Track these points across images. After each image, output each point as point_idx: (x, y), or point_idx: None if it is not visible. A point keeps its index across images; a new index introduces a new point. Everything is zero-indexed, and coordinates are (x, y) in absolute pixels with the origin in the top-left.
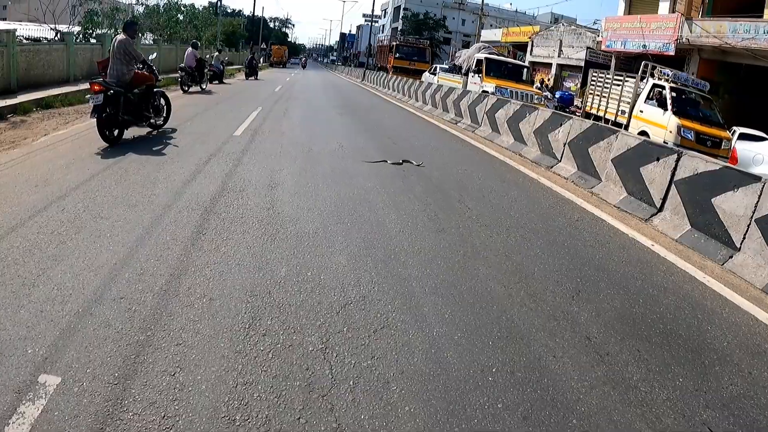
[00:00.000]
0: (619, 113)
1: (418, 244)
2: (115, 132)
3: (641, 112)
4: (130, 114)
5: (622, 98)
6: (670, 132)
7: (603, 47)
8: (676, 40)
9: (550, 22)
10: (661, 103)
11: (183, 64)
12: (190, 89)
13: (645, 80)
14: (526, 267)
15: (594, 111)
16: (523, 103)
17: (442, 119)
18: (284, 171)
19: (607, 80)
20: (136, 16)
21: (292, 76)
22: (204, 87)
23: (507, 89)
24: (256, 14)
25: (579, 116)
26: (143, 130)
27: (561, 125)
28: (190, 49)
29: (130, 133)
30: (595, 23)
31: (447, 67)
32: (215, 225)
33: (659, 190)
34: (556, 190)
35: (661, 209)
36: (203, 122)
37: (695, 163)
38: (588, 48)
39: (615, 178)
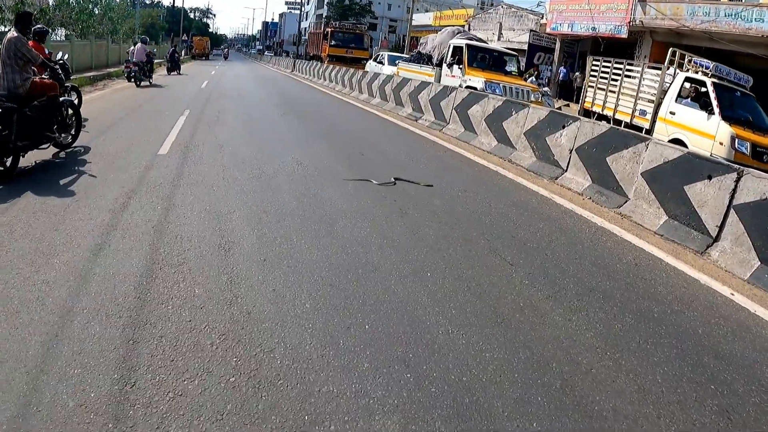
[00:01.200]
0: (637, 113)
1: (483, 362)
2: (7, 162)
3: (672, 114)
4: (27, 136)
5: (640, 95)
6: (721, 144)
7: (548, 30)
8: (629, 22)
9: (477, 5)
10: (704, 104)
11: (134, 59)
12: (142, 83)
13: (673, 73)
14: (650, 385)
15: (597, 109)
16: (506, 99)
17: (398, 115)
18: (236, 214)
19: (616, 71)
20: (44, 9)
21: (217, 69)
22: (152, 81)
23: (499, 85)
24: (176, 5)
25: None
26: (47, 152)
27: (564, 127)
28: (139, 44)
29: (31, 157)
30: (538, 5)
31: (411, 56)
32: (147, 365)
33: (714, 215)
34: (580, 213)
35: (717, 239)
36: (121, 133)
37: (763, 186)
38: (531, 31)
39: (648, 197)
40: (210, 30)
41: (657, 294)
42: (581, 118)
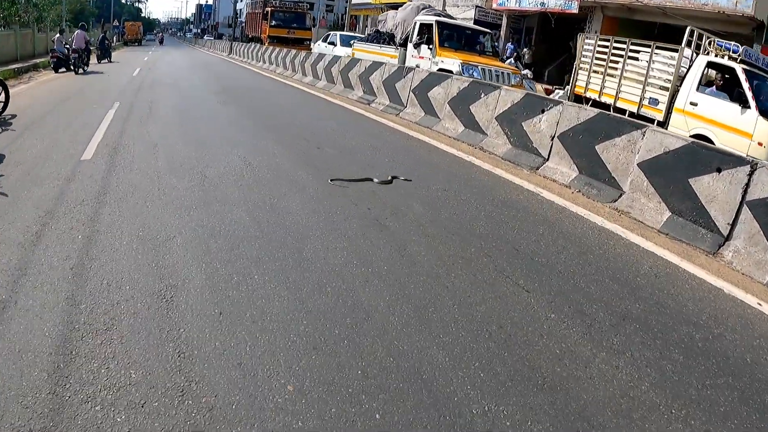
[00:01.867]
0: (646, 102)
1: None
2: None
3: (693, 105)
4: None
5: (649, 81)
6: (760, 144)
7: (494, 5)
8: None
9: None
10: (738, 96)
11: (74, 46)
12: (80, 71)
13: (690, 56)
14: None
15: (592, 95)
16: (473, 80)
17: (348, 98)
18: (176, 241)
19: (617, 51)
20: None
21: (150, 55)
22: (86, 69)
23: (477, 68)
24: None
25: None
26: None
27: (543, 112)
28: (78, 31)
29: None
30: None
31: (368, 35)
32: None
33: (725, 212)
34: (574, 211)
35: (729, 238)
36: (42, 134)
37: None
38: (477, 7)
39: (647, 190)
40: (142, 15)
41: (689, 314)
42: (564, 101)
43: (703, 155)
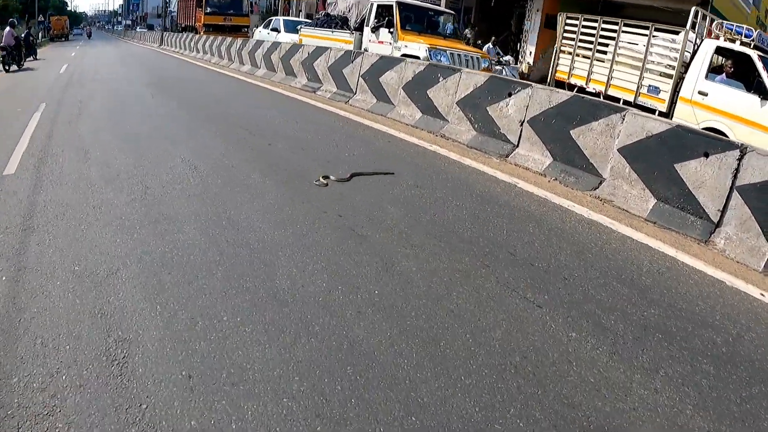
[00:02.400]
0: (645, 91)
1: None
2: None
3: (703, 95)
4: None
5: (648, 66)
6: None
7: None
8: None
9: None
10: (756, 86)
11: (3, 43)
12: (11, 69)
13: (694, 40)
14: None
15: (577, 81)
16: (430, 63)
17: (291, 87)
18: (121, 276)
19: (607, 33)
20: None
21: (78, 50)
22: (22, 65)
23: (446, 52)
24: None
25: None
26: None
27: (510, 95)
28: (8, 28)
29: None
30: None
31: (317, 20)
32: None
33: (714, 198)
34: (558, 202)
35: (719, 224)
36: None
37: None
38: None
39: (629, 177)
40: (68, 9)
41: (703, 314)
42: (533, 84)
43: (689, 139)
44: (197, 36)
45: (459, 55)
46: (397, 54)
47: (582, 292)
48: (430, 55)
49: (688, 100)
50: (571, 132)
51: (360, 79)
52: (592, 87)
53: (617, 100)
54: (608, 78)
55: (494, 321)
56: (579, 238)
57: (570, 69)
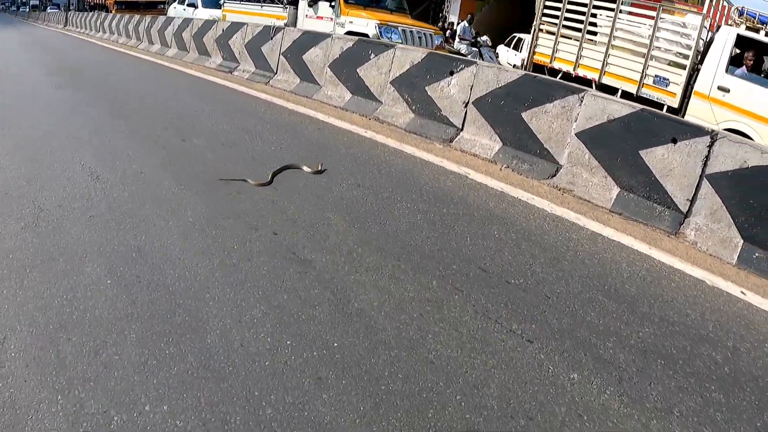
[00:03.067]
0: (648, 81)
1: None
2: None
3: (723, 91)
4: None
5: (654, 54)
6: None
7: None
8: None
9: None
10: None
11: None
12: None
13: (708, 26)
14: None
15: (563, 66)
16: (360, 38)
17: (205, 67)
18: (9, 347)
19: (599, 13)
20: None
21: None
22: None
23: (397, 29)
24: None
25: None
26: None
27: (452, 74)
28: None
29: None
30: None
31: None
32: None
33: (683, 186)
34: (516, 195)
35: (688, 214)
36: None
37: (742, 153)
38: None
39: (590, 163)
40: None
41: (697, 326)
42: (477, 61)
43: (655, 124)
44: (104, 15)
45: (411, 32)
46: (340, 32)
47: (570, 314)
48: (380, 32)
49: (704, 95)
50: (522, 114)
51: (281, 57)
52: (581, 73)
53: (613, 90)
54: (603, 64)
55: (484, 370)
56: (549, 240)
57: (553, 52)
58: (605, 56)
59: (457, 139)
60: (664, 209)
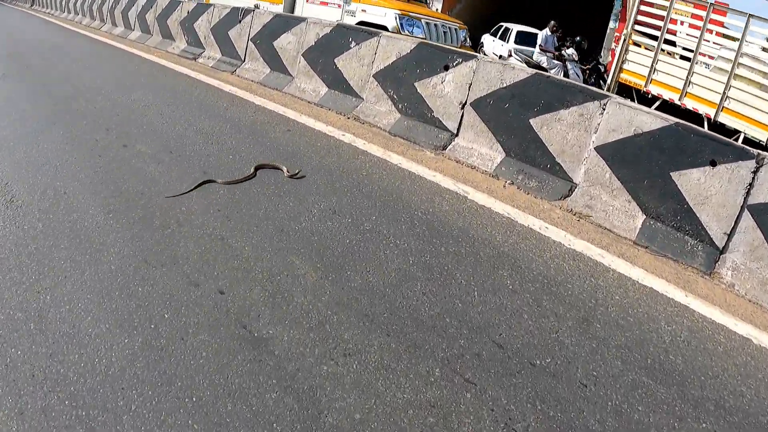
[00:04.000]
0: None
1: None
2: None
3: None
4: None
5: None
6: None
7: None
8: None
9: None
10: None
11: None
12: None
13: None
14: None
15: (663, 92)
16: (339, 23)
17: (168, 53)
18: None
19: (717, 28)
20: None
21: None
22: None
23: (420, 21)
24: None
25: None
26: None
27: (447, 69)
28: None
29: None
30: None
31: None
32: None
33: (720, 218)
34: (524, 223)
35: (724, 251)
36: None
37: None
38: None
39: (611, 184)
40: None
41: (756, 410)
42: (478, 55)
43: (691, 142)
44: None
45: (435, 25)
46: (351, 21)
47: (614, 411)
48: (401, 24)
49: None
50: (531, 121)
51: (250, 43)
52: (689, 105)
53: (734, 134)
54: (722, 97)
55: None
56: (572, 289)
57: (649, 72)
58: (726, 87)
59: (451, 146)
60: (697, 243)
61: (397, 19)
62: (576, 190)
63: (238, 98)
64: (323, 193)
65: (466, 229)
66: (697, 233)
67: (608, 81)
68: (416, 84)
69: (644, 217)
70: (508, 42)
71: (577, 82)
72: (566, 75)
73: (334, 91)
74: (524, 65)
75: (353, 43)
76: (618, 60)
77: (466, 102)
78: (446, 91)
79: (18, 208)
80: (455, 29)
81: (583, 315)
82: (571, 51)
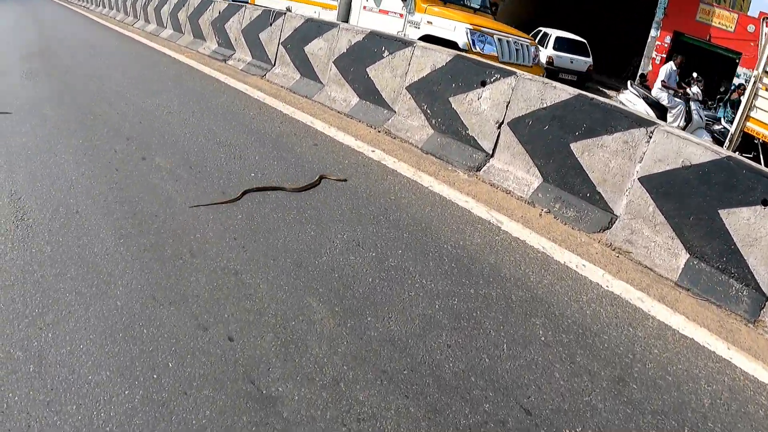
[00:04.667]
0: None
1: None
2: None
3: None
4: None
5: None
6: None
7: None
8: None
9: None
10: None
11: None
12: None
13: None
14: None
15: None
16: (371, 31)
17: (198, 53)
18: None
19: None
20: None
21: None
22: None
23: (493, 38)
24: None
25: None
26: None
27: (485, 85)
28: None
29: None
30: None
31: None
32: None
33: None
34: (559, 259)
35: None
36: None
37: None
38: None
39: (654, 218)
40: None
41: None
42: (518, 71)
43: (742, 178)
44: None
45: (508, 41)
46: (414, 34)
47: None
48: (472, 40)
49: None
50: (571, 146)
51: (280, 47)
52: None
53: None
54: None
55: None
56: (608, 342)
57: None
58: None
59: (486, 167)
60: (743, 288)
61: (469, 35)
62: (616, 222)
63: (266, 106)
64: (348, 220)
65: (497, 266)
66: (743, 277)
67: (731, 130)
68: (451, 99)
69: (688, 256)
70: (546, 48)
71: (621, 107)
72: (689, 115)
73: (365, 102)
74: (641, 100)
75: (386, 52)
76: (745, 107)
77: (503, 121)
78: (482, 108)
79: (28, 228)
80: (527, 46)
81: (618, 373)
82: (696, 89)
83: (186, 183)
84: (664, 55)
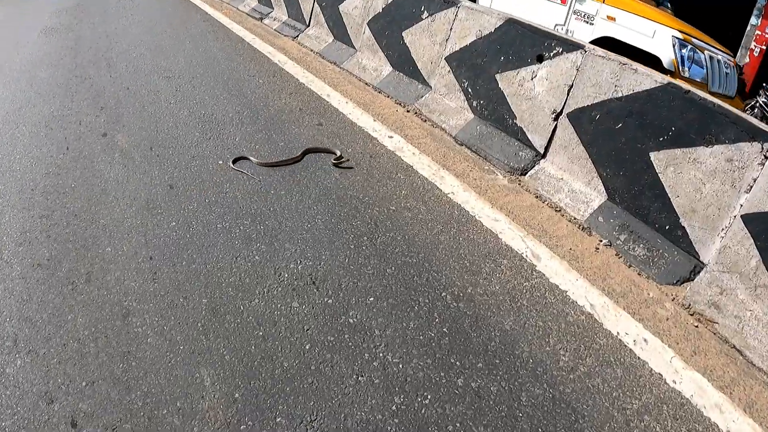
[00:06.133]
0: None
1: None
2: None
3: None
4: None
5: None
6: None
7: None
8: None
9: None
10: None
11: None
12: None
13: None
14: None
15: None
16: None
17: (237, 10)
18: None
19: None
20: None
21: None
22: None
23: (703, 54)
24: None
25: None
26: None
27: (542, 60)
28: None
29: None
30: None
31: None
32: None
33: None
34: (627, 342)
35: None
36: None
37: None
38: None
39: (754, 276)
40: None
41: None
42: (587, 46)
43: None
44: None
45: (719, 61)
46: (583, 32)
47: None
48: (679, 56)
49: None
50: (652, 155)
51: (315, 5)
52: None
53: None
54: None
55: None
56: None
57: None
58: None
59: (534, 171)
60: None
61: (675, 45)
62: (702, 273)
63: (282, 73)
64: (312, 240)
65: (512, 337)
66: None
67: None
68: (498, 76)
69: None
70: None
71: (725, 105)
72: None
73: (398, 73)
74: None
75: (425, 14)
76: None
77: (561, 111)
78: (536, 91)
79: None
80: (733, 66)
81: None
82: None
83: (131, 170)
84: (764, 47)
